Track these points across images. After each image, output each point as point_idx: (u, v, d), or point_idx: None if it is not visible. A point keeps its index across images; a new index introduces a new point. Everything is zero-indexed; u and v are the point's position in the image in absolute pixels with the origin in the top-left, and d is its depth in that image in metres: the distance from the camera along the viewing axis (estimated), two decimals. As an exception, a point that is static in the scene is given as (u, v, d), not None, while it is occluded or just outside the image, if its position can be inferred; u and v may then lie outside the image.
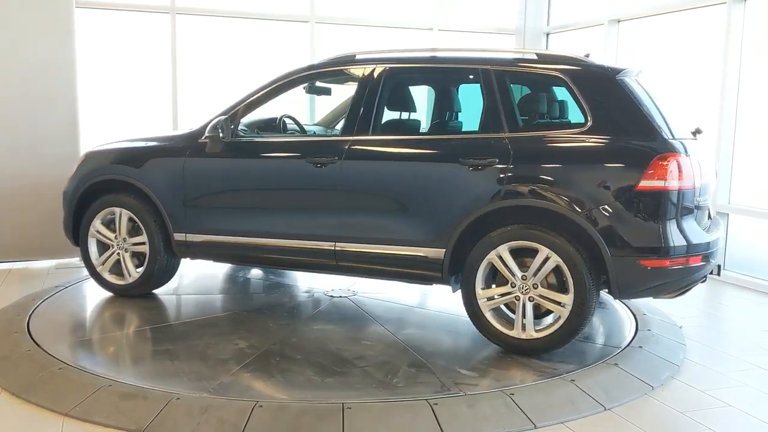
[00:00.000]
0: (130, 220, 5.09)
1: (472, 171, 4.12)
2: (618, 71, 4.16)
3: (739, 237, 6.51)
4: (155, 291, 5.33)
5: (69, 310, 4.95)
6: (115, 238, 5.16)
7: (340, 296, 5.34)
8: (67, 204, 5.33)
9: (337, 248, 4.48)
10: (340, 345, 4.29)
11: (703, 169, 4.09)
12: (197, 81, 7.93)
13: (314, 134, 5.48)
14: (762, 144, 6.31)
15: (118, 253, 5.17)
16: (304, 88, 5.77)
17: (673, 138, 3.96)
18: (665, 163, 3.81)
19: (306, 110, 7.65)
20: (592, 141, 4.00)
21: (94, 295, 5.35)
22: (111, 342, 4.44)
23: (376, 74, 4.57)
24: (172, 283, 5.45)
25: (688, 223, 3.95)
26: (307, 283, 5.80)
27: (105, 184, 5.18)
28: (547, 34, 9.07)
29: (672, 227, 3.86)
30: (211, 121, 4.79)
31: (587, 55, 4.37)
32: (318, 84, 5.73)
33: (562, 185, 3.95)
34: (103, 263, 5.21)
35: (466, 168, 4.14)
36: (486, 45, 8.93)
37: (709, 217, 4.42)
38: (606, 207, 3.87)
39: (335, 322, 4.77)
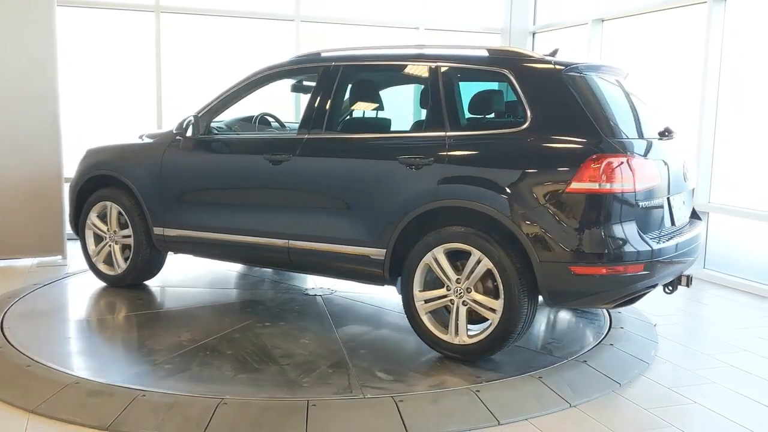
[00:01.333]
0: (120, 214, 5.32)
1: (410, 170, 4.03)
2: (566, 66, 3.97)
3: (721, 236, 6.53)
4: (147, 282, 5.61)
5: (43, 308, 4.96)
6: (108, 230, 5.40)
7: (315, 294, 5.36)
8: (70, 197, 5.67)
9: (290, 246, 4.51)
10: (278, 342, 4.28)
11: (655, 171, 3.87)
12: (182, 79, 7.95)
13: (274, 132, 5.47)
14: (742, 143, 6.33)
15: (110, 245, 5.42)
16: (291, 86, 5.96)
17: (625, 138, 3.79)
18: (598, 164, 3.60)
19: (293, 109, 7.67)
20: (527, 140, 3.83)
21: (70, 294, 5.43)
22: (82, 339, 4.47)
23: (328, 72, 4.56)
24: (172, 276, 5.81)
25: (628, 229, 3.68)
26: (311, 282, 5.79)
27: (101, 179, 5.43)
28: (533, 34, 9.10)
29: (606, 232, 3.62)
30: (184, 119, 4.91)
31: (554, 52, 4.28)
32: (305, 83, 5.74)
33: (493, 186, 3.80)
34: (97, 254, 5.49)
35: (404, 167, 4.05)
36: (463, 42, 8.93)
37: (673, 222, 4.14)
38: (536, 209, 3.69)
39: (292, 319, 4.76)
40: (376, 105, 4.89)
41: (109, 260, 5.45)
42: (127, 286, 5.42)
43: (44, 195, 6.46)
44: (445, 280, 3.97)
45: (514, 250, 3.77)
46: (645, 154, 3.89)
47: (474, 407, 3.44)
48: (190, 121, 4.88)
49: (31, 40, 6.28)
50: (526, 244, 3.71)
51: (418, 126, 4.62)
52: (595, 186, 3.60)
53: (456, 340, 3.95)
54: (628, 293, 3.76)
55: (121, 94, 7.88)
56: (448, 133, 4.04)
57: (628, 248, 3.65)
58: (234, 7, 8.06)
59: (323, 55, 4.73)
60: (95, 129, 7.80)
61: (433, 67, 4.23)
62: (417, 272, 4.04)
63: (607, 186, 3.60)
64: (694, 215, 4.67)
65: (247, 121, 5.39)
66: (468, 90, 4.33)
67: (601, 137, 3.70)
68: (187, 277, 5.94)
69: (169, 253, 5.44)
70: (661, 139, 4.22)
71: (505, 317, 3.79)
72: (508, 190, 3.76)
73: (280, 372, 3.83)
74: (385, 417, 3.33)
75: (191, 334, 4.39)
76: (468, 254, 3.89)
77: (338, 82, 4.52)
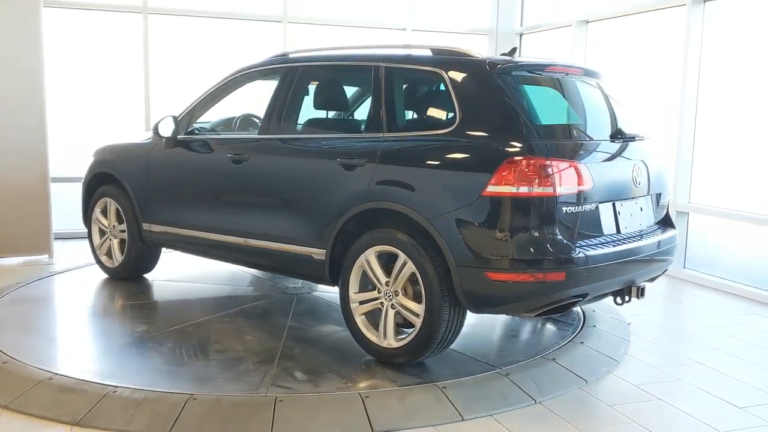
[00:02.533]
0: (117, 210, 5.59)
1: (347, 171, 4.04)
2: (500, 65, 3.83)
3: (701, 236, 6.59)
4: (145, 276, 5.88)
5: (24, 306, 5.02)
6: (108, 225, 5.70)
7: (295, 293, 5.42)
8: (81, 192, 5.94)
9: (247, 244, 4.60)
10: (223, 338, 4.37)
11: (585, 175, 3.64)
12: (170, 81, 8.00)
13: (238, 133, 5.50)
14: (722, 143, 6.38)
15: (110, 239, 5.72)
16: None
17: (556, 140, 3.72)
18: (514, 167, 3.48)
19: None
20: (452, 142, 3.76)
21: (50, 292, 5.54)
22: (59, 336, 4.56)
23: (284, 73, 4.64)
24: (171, 271, 6.06)
25: (548, 235, 3.51)
26: (298, 282, 5.81)
27: (105, 177, 5.65)
28: (521, 35, 9.15)
29: (523, 238, 3.49)
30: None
31: (512, 51, 4.19)
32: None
33: (415, 188, 3.76)
34: (100, 247, 5.81)
35: (342, 168, 4.06)
36: (449, 42, 8.98)
37: (619, 229, 3.89)
38: (454, 213, 3.61)
39: (252, 317, 4.83)
40: (325, 106, 4.88)
41: (109, 253, 5.75)
42: (122, 280, 5.72)
43: (31, 195, 6.52)
44: (377, 282, 3.95)
45: (436, 254, 3.70)
46: (576, 157, 3.71)
47: (439, 403, 3.50)
48: (163, 121, 5.05)
49: (18, 41, 6.33)
50: (444, 248, 3.64)
51: (358, 127, 4.65)
52: (511, 190, 3.49)
53: (384, 344, 3.92)
54: (550, 302, 3.59)
55: (109, 94, 7.94)
56: (384, 134, 4.03)
57: (547, 255, 3.50)
58: (222, 8, 8.11)
59: (290, 56, 4.80)
60: (83, 130, 7.87)
61: (374, 67, 4.21)
62: (352, 273, 4.02)
63: (524, 190, 3.48)
64: (667, 222, 4.48)
65: (229, 121, 5.48)
66: (414, 91, 4.39)
67: (523, 139, 3.58)
68: (184, 272, 6.10)
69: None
70: (613, 141, 4.08)
71: (426, 322, 3.72)
72: (429, 193, 3.72)
73: (205, 367, 3.93)
74: (351, 412, 3.39)
75: (149, 326, 4.61)
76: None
77: (292, 83, 4.57)
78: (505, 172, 3.50)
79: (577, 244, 3.61)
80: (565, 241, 3.56)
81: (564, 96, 4.22)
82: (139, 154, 5.36)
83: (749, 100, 6.11)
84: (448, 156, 3.76)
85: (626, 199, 4.00)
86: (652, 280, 4.30)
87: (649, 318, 5.21)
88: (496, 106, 3.75)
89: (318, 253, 4.21)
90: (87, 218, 5.85)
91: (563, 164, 3.59)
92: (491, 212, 3.54)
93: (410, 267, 3.78)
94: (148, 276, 5.83)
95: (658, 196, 4.37)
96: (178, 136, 5.07)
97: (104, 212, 5.70)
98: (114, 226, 5.63)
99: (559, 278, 3.51)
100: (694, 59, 6.39)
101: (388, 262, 3.93)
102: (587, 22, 7.88)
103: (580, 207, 3.65)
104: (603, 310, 5.12)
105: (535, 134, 3.65)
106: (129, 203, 5.41)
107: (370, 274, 3.97)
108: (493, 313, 3.81)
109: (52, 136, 6.67)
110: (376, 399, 3.50)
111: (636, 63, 7.33)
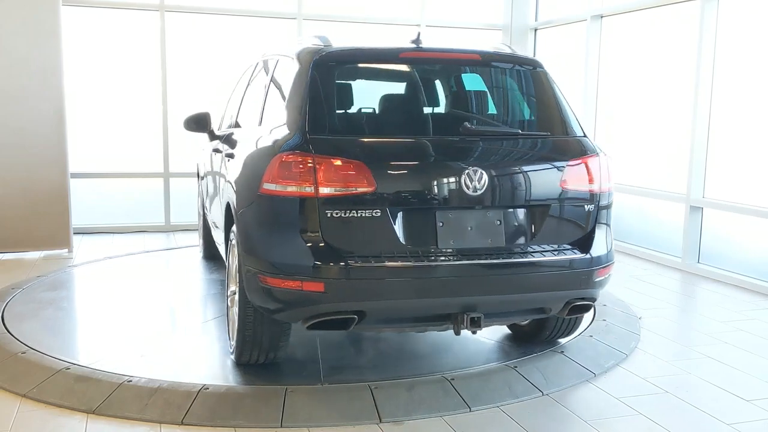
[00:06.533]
0: None
1: (227, 163, 4.22)
2: (318, 56, 3.51)
3: (716, 231, 6.56)
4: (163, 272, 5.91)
5: (43, 298, 5.14)
6: None
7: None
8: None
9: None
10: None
11: (363, 175, 3.23)
12: (186, 78, 8.10)
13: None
14: (736, 138, 6.35)
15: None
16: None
17: (348, 136, 3.43)
18: (282, 163, 3.24)
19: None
20: (263, 135, 3.64)
21: (69, 285, 5.65)
22: (77, 327, 4.67)
23: (253, 70, 4.83)
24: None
25: (309, 240, 3.20)
26: None
27: None
28: (535, 30, 9.14)
29: (285, 241, 3.26)
30: None
31: (417, 39, 3.77)
32: None
33: (234, 181, 3.72)
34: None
35: (227, 160, 4.27)
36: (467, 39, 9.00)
37: (437, 242, 3.33)
38: (245, 209, 3.52)
39: None
40: (257, 101, 4.73)
41: None
42: (139, 276, 5.92)
43: (51, 191, 6.65)
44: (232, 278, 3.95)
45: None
46: (362, 155, 3.29)
47: (446, 394, 3.54)
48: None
49: (37, 39, 6.46)
50: (237, 246, 3.55)
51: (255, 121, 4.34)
52: (278, 188, 3.25)
53: (231, 343, 3.92)
54: (313, 315, 3.28)
55: (126, 91, 8.05)
56: (248, 129, 4.16)
57: (304, 262, 3.19)
58: (237, 5, 8.19)
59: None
60: (102, 127, 7.99)
61: (268, 60, 4.28)
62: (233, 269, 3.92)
63: (288, 189, 3.23)
64: (580, 244, 3.56)
65: None
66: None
67: (301, 134, 3.29)
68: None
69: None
70: (457, 139, 3.53)
71: (239, 324, 3.63)
72: (238, 187, 3.66)
73: (219, 357, 4.04)
74: (360, 402, 3.44)
75: (164, 319, 4.73)
76: None
77: (252, 80, 4.76)
78: (275, 169, 3.26)
79: (348, 254, 3.21)
80: (326, 249, 3.20)
81: (407, 86, 3.98)
82: None
83: (763, 94, 6.06)
84: (254, 149, 3.62)
85: (455, 208, 3.38)
86: (524, 319, 4.00)
87: (661, 312, 5.21)
88: (294, 99, 3.48)
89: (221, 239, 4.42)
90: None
91: (337, 162, 3.23)
92: (263, 212, 3.37)
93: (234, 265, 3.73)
94: (167, 271, 5.90)
95: (544, 208, 3.52)
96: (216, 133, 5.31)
97: None
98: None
99: (318, 289, 3.19)
100: (708, 53, 6.36)
101: None
102: (602, 17, 7.86)
103: (355, 212, 3.22)
104: (614, 304, 5.13)
105: (323, 129, 3.34)
106: None
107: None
108: (281, 319, 3.49)
109: (71, 133, 6.79)
110: (384, 389, 3.55)
111: (651, 58, 7.30)
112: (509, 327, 4.33)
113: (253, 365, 3.82)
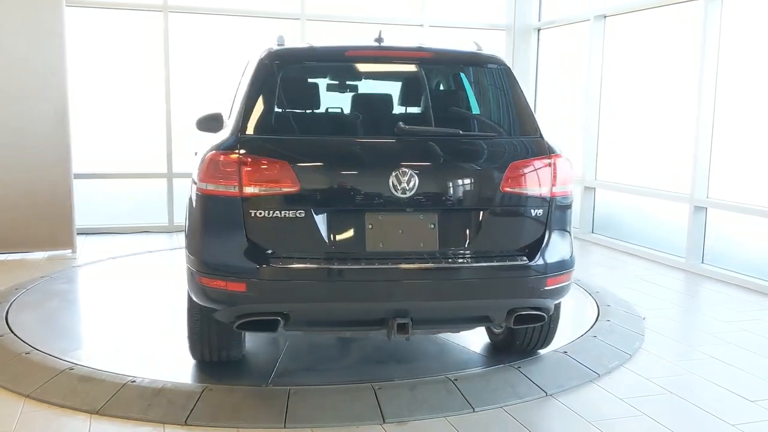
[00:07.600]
0: None
1: None
2: (268, 55, 3.54)
3: (719, 231, 6.55)
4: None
5: (47, 298, 5.15)
6: None
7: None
8: None
9: None
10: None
11: (286, 174, 3.22)
12: (190, 79, 8.11)
13: None
14: (740, 138, 6.34)
15: None
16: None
17: (281, 136, 3.41)
18: (210, 162, 3.30)
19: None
20: (216, 138, 3.61)
21: (72, 285, 5.66)
22: (81, 328, 4.69)
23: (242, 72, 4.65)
24: None
25: (232, 239, 3.23)
26: None
27: None
28: (538, 30, 9.13)
29: (211, 240, 3.33)
30: None
31: (379, 38, 3.77)
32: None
33: (191, 184, 3.65)
34: None
35: None
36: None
37: (365, 245, 3.28)
38: (188, 210, 3.54)
39: None
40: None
41: None
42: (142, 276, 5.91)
43: (55, 191, 6.66)
44: None
45: None
46: (288, 155, 3.27)
47: (450, 395, 3.54)
48: None
49: (41, 41, 6.47)
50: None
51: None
52: (207, 187, 3.31)
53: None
54: (239, 314, 3.28)
55: (130, 92, 8.06)
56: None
57: (227, 261, 3.23)
58: (241, 6, 8.20)
59: None
60: (105, 127, 8.00)
61: (248, 62, 4.10)
62: None
63: (214, 188, 3.27)
64: (528, 250, 3.41)
65: None
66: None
67: (233, 134, 3.36)
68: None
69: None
70: (392, 138, 3.44)
71: (188, 322, 3.70)
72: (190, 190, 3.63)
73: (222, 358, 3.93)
74: (363, 403, 3.44)
75: (167, 320, 4.65)
76: None
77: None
78: (205, 169, 3.31)
79: (272, 255, 3.22)
80: (249, 250, 3.21)
81: (351, 86, 3.94)
82: None
83: (766, 94, 6.06)
84: (207, 148, 3.52)
85: (385, 210, 3.32)
86: (458, 330, 3.96)
87: (665, 312, 5.20)
88: (240, 99, 3.53)
89: None
90: None
91: (262, 162, 3.24)
92: (198, 211, 3.38)
93: None
94: (171, 271, 5.91)
95: (483, 212, 3.39)
96: None
97: None
98: None
99: (240, 289, 3.19)
100: (712, 53, 6.34)
101: None
102: (605, 17, 7.85)
103: (279, 212, 3.22)
104: (617, 304, 5.12)
105: (260, 130, 3.37)
106: None
107: None
108: (224, 321, 3.44)
109: (74, 133, 6.80)
110: (387, 390, 3.55)
111: (655, 57, 7.29)
112: (488, 335, 4.26)
113: (253, 365, 3.82)
